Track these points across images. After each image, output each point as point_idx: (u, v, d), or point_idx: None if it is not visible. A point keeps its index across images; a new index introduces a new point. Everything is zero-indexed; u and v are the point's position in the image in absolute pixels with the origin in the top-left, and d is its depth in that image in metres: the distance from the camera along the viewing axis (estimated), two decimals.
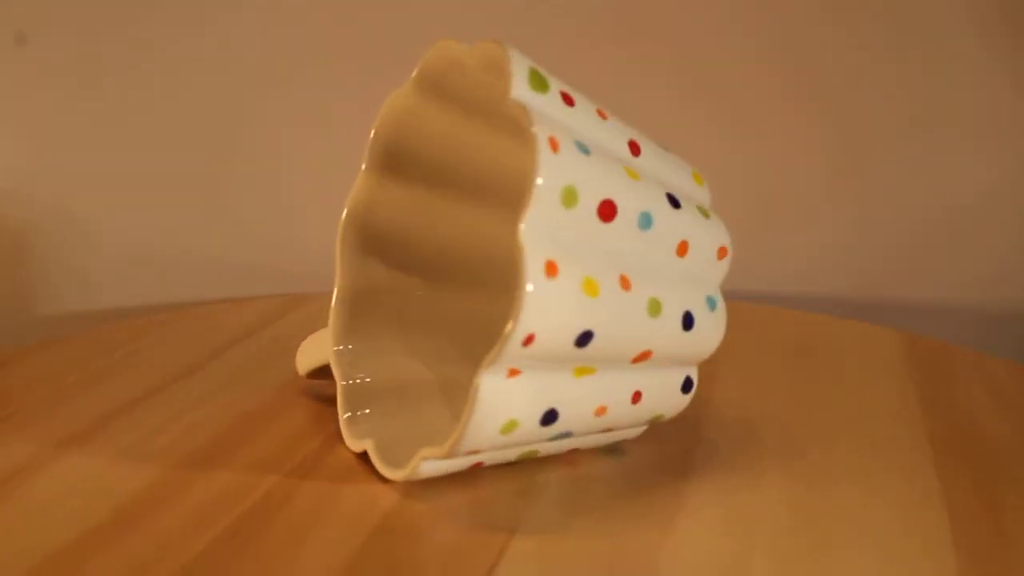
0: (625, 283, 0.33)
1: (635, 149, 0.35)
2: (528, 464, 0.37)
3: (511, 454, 0.35)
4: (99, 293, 0.56)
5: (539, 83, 0.33)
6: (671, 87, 0.57)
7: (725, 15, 0.56)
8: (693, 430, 0.41)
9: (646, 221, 0.33)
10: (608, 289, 0.32)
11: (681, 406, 0.37)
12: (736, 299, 0.53)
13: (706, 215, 0.36)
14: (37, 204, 0.54)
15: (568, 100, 0.34)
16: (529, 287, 0.30)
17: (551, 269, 0.31)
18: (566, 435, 0.35)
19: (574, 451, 0.38)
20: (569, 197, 0.31)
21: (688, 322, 0.35)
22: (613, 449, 0.39)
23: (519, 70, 0.32)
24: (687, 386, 0.37)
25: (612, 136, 0.34)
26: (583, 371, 0.33)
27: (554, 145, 0.31)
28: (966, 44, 0.55)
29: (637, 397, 0.35)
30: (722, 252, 0.36)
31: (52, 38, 0.52)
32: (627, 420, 0.36)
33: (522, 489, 0.36)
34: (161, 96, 0.55)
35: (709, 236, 0.36)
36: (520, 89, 0.32)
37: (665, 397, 0.36)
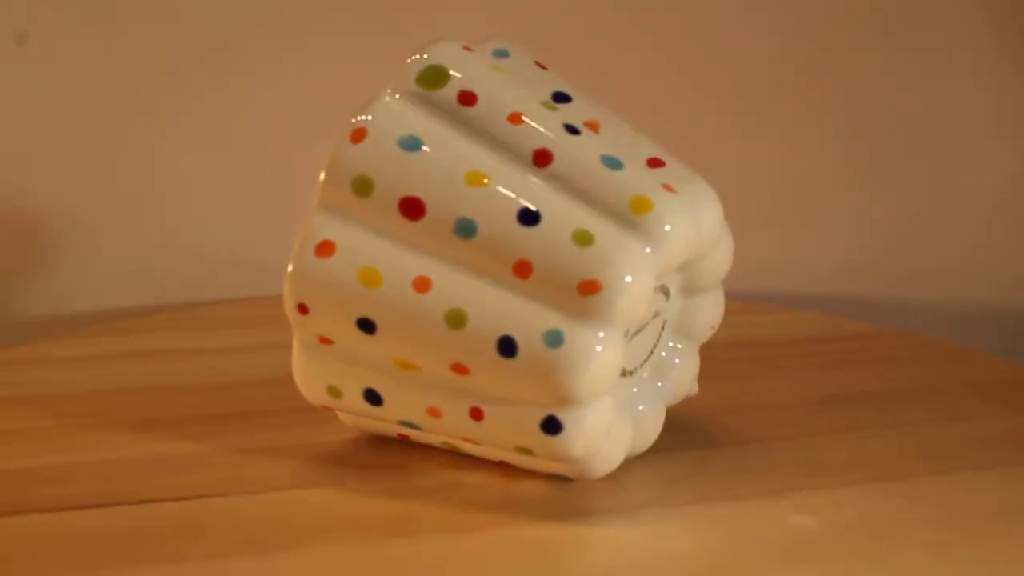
0: (422, 284, 0.32)
1: (543, 158, 0.33)
2: (474, 459, 0.37)
3: (430, 439, 0.36)
4: (99, 292, 0.56)
5: (433, 80, 0.34)
6: (695, 87, 0.58)
7: (753, 17, 0.57)
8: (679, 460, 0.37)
9: (466, 228, 0.32)
10: (392, 284, 0.32)
11: (556, 449, 0.33)
12: (750, 299, 0.56)
13: (586, 242, 0.31)
14: (37, 204, 0.55)
15: (465, 99, 0.33)
16: (293, 261, 0.33)
17: (326, 248, 0.33)
18: (416, 427, 0.35)
19: (510, 465, 0.36)
20: (362, 187, 0.32)
21: (507, 348, 0.31)
22: (562, 478, 0.36)
23: (415, 66, 0.34)
24: (551, 426, 0.32)
25: (511, 141, 0.33)
26: (404, 364, 0.33)
27: (357, 136, 0.32)
28: (985, 43, 0.57)
29: (477, 414, 0.33)
30: (588, 286, 0.31)
31: (52, 38, 0.53)
32: (482, 435, 0.34)
33: (436, 468, 0.37)
34: (161, 94, 0.55)
35: (569, 264, 0.31)
36: (403, 83, 0.34)
37: (517, 429, 0.33)
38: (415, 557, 0.32)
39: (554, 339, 0.31)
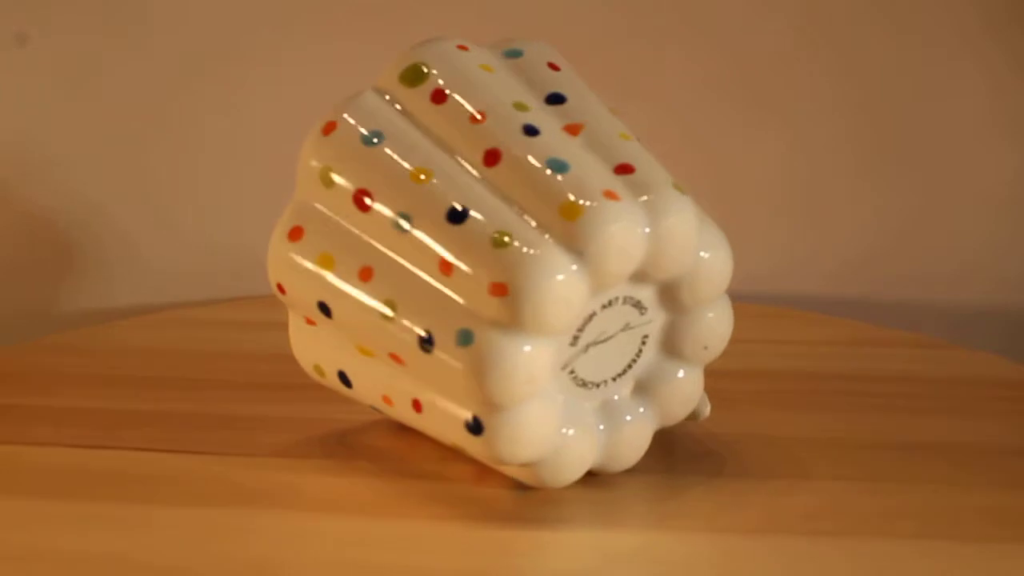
0: (366, 274, 0.33)
1: (491, 158, 0.32)
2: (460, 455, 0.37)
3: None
4: (98, 291, 0.58)
5: (413, 78, 0.35)
6: (698, 88, 0.57)
7: (756, 16, 0.57)
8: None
9: (399, 222, 0.33)
10: (343, 271, 0.34)
11: (481, 451, 0.32)
12: (756, 302, 0.56)
13: (502, 244, 0.30)
14: (37, 203, 0.56)
15: (437, 98, 0.34)
16: (271, 243, 0.35)
17: (296, 233, 0.35)
18: (377, 409, 0.36)
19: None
20: (326, 176, 0.34)
21: (427, 344, 0.32)
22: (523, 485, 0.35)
23: (399, 64, 0.35)
24: (474, 427, 0.32)
25: (466, 141, 0.33)
26: (364, 351, 0.34)
27: (328, 129, 0.34)
28: (983, 44, 0.56)
29: (417, 406, 0.34)
30: (496, 288, 0.30)
31: (52, 38, 0.55)
32: (425, 428, 0.34)
33: (429, 458, 0.37)
34: (162, 94, 0.56)
35: (483, 265, 0.31)
36: (387, 80, 0.35)
37: (448, 426, 0.33)
38: (361, 535, 0.33)
39: (464, 339, 0.31)
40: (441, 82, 0.34)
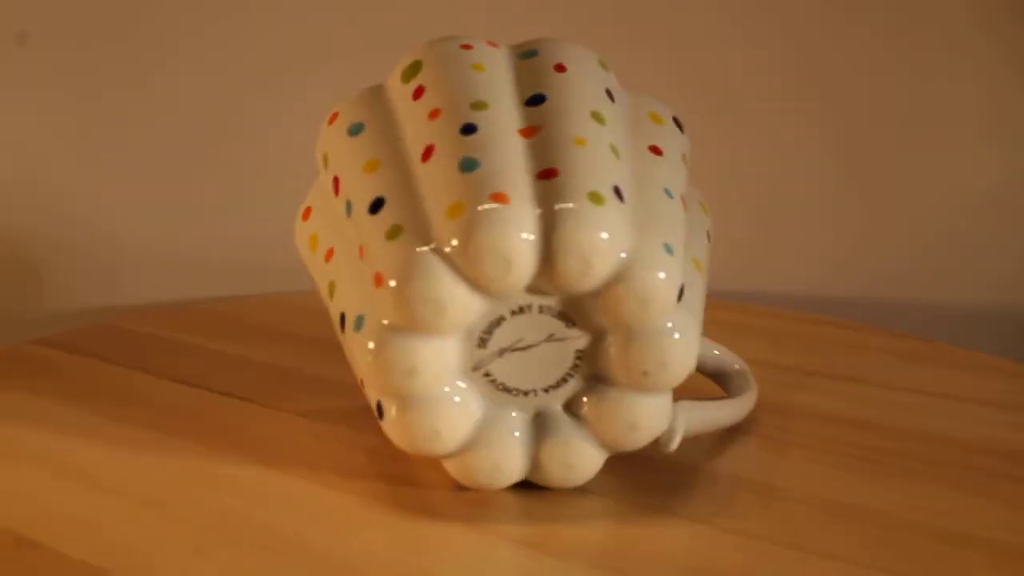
0: (329, 255, 0.35)
1: (427, 154, 0.33)
2: None
3: None
4: (97, 290, 0.59)
5: (408, 74, 0.36)
6: (679, 85, 0.57)
7: (730, 11, 0.57)
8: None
9: (347, 209, 0.34)
10: (319, 251, 0.37)
11: (393, 436, 0.33)
12: (737, 299, 0.55)
13: (391, 237, 0.31)
14: (37, 203, 0.57)
15: (416, 94, 0.35)
16: (295, 222, 0.38)
17: (306, 213, 0.38)
18: None
19: None
20: (324, 163, 0.37)
21: (342, 324, 0.33)
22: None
23: (404, 60, 0.36)
24: (379, 410, 0.32)
25: (418, 136, 0.34)
26: None
27: (331, 119, 0.36)
28: (974, 41, 0.56)
29: (363, 385, 0.34)
30: (377, 279, 0.31)
31: (52, 38, 0.55)
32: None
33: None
34: (161, 96, 0.57)
35: (376, 255, 0.32)
36: (392, 76, 0.36)
37: (374, 407, 0.33)
38: (318, 505, 0.35)
39: (358, 324, 0.32)
40: (425, 79, 0.35)
